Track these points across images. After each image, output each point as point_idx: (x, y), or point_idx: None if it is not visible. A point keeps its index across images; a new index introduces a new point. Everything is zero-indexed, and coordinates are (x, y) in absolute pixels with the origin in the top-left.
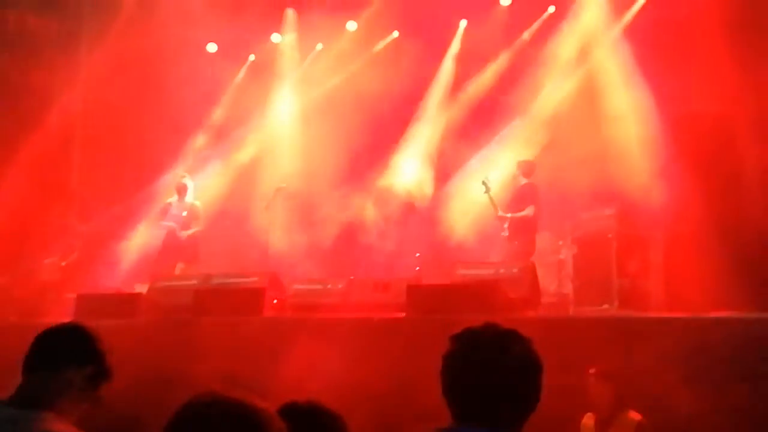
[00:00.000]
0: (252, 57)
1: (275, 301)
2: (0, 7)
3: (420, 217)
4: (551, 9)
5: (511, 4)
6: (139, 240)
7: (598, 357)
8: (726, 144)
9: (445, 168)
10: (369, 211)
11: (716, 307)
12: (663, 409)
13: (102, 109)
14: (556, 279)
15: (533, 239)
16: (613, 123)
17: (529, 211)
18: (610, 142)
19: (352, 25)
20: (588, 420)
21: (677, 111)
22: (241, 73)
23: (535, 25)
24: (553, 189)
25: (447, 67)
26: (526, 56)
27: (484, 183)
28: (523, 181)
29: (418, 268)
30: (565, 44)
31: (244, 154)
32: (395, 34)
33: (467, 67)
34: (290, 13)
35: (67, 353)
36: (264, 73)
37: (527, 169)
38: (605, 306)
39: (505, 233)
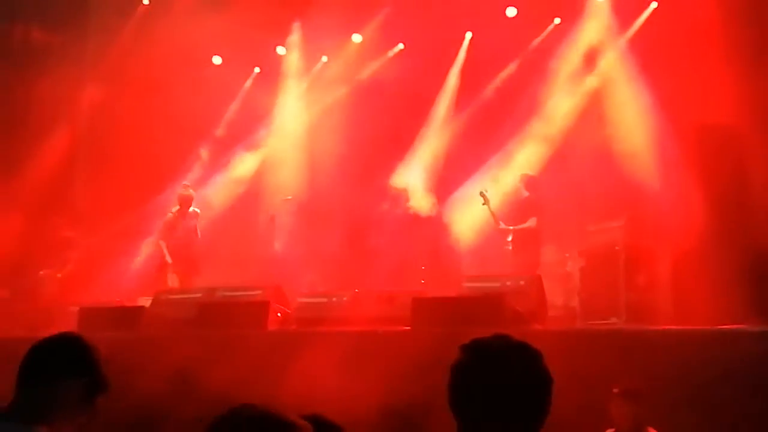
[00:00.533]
0: (257, 69)
1: (279, 315)
2: (5, 20)
3: (425, 229)
4: (557, 21)
5: (517, 15)
6: (143, 253)
7: (605, 371)
8: (735, 156)
9: (450, 179)
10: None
11: (725, 320)
12: (673, 424)
13: (106, 123)
14: (563, 292)
15: (538, 252)
16: (620, 134)
17: (531, 223)
18: (617, 154)
19: (357, 38)
20: None
21: (685, 122)
22: (246, 86)
23: (541, 37)
24: (559, 201)
25: (452, 79)
26: (532, 68)
27: (482, 194)
28: (526, 194)
29: (423, 281)
30: (571, 56)
31: (248, 167)
32: (400, 46)
33: (473, 79)
34: (296, 26)
35: (62, 365)
36: (269, 85)
37: (530, 183)
38: (613, 319)
39: (509, 247)
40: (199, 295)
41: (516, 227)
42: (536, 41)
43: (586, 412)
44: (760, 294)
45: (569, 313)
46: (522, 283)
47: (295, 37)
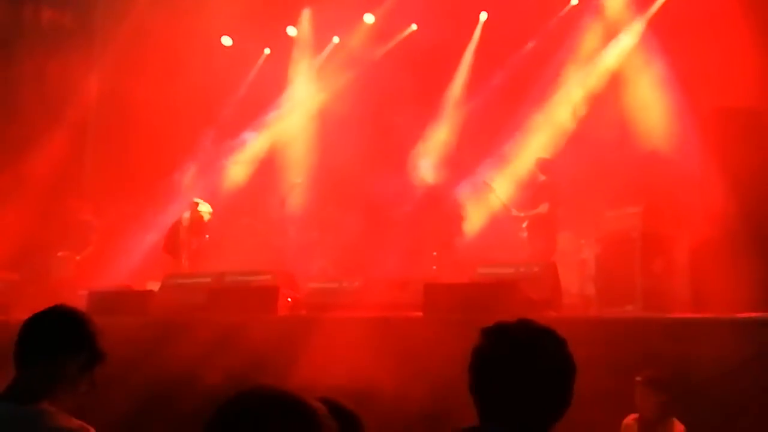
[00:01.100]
0: (267, 50)
1: (289, 300)
2: (15, 2)
3: (438, 213)
4: (574, 1)
5: None
6: (152, 236)
7: (620, 360)
8: (757, 140)
9: (464, 163)
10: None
11: (744, 308)
12: (690, 414)
13: (116, 104)
14: (578, 279)
15: (553, 238)
16: (639, 117)
17: (542, 209)
18: (635, 137)
19: (369, 18)
20: (630, 420)
21: (706, 105)
22: (256, 67)
23: (558, 18)
24: (576, 186)
25: (467, 61)
26: (549, 49)
27: (487, 184)
28: (542, 178)
29: (435, 267)
30: (589, 37)
31: (259, 149)
32: (413, 27)
33: (487, 60)
34: (307, 6)
35: (58, 342)
36: (279, 66)
37: (546, 166)
38: (629, 307)
39: (524, 234)
40: (208, 279)
41: (528, 213)
42: (553, 21)
43: (600, 401)
44: None
45: (584, 300)
46: (536, 269)
47: (306, 17)
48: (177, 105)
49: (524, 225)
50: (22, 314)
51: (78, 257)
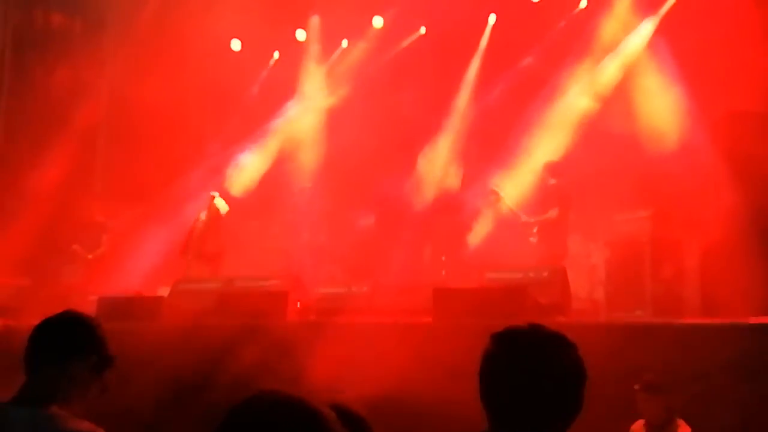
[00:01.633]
0: (276, 54)
1: (299, 305)
2: (26, 5)
3: (447, 218)
4: (583, 4)
5: None
6: (162, 240)
7: (630, 365)
8: (766, 145)
9: (472, 167)
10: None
11: (754, 313)
12: (699, 419)
13: (126, 106)
14: (587, 283)
15: (564, 242)
16: (648, 121)
17: (552, 214)
18: (644, 141)
19: (378, 21)
20: (638, 426)
21: (716, 109)
22: (266, 71)
23: (567, 21)
24: (585, 190)
25: (475, 64)
26: (558, 52)
27: (493, 192)
28: (552, 182)
29: (444, 272)
30: (599, 41)
31: (267, 153)
32: (422, 30)
33: (496, 63)
34: (315, 11)
35: (67, 346)
36: (288, 70)
37: (555, 169)
38: (638, 312)
39: (534, 239)
40: (217, 284)
41: (538, 218)
42: (562, 24)
43: (610, 406)
44: None
45: (594, 305)
46: (545, 274)
47: (314, 21)
48: (186, 109)
49: (534, 230)
50: (32, 319)
51: (90, 256)
